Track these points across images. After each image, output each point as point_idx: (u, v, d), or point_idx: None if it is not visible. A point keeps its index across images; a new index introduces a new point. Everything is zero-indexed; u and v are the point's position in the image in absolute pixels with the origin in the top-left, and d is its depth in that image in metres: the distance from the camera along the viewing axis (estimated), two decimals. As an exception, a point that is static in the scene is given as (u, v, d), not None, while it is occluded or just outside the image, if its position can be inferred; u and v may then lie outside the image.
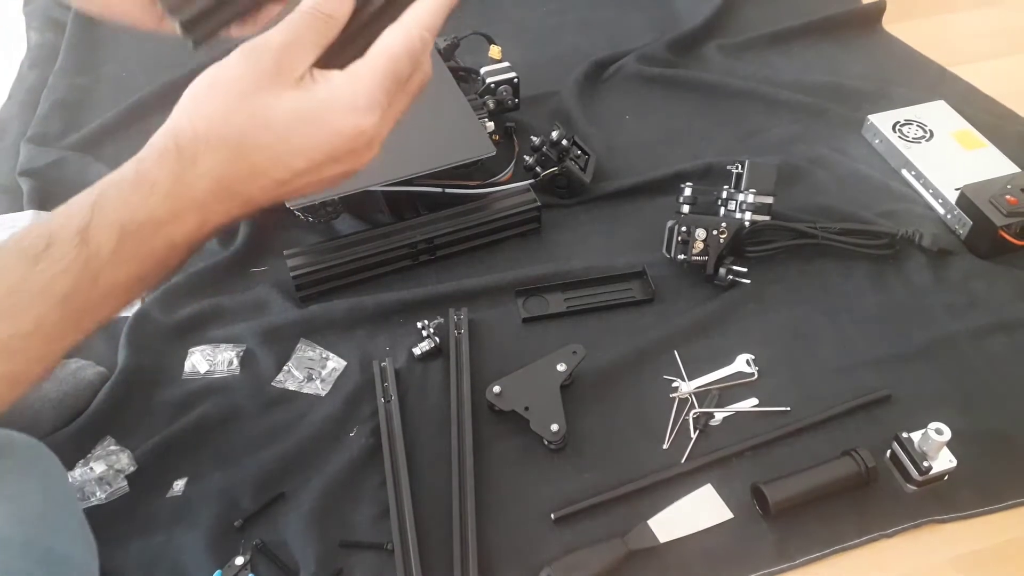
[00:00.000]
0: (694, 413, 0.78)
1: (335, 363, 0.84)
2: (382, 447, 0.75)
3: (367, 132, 0.42)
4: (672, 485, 0.73)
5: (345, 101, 0.41)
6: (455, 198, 0.96)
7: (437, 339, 0.84)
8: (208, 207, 0.41)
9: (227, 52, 0.42)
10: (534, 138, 0.98)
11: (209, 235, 0.43)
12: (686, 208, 0.92)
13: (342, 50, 0.43)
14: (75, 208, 0.40)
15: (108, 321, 0.43)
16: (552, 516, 0.71)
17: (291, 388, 0.82)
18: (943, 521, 0.71)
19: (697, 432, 0.77)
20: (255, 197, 0.42)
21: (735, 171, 0.94)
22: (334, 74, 0.42)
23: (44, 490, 0.46)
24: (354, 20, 0.43)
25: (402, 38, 0.43)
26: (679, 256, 0.89)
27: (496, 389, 0.77)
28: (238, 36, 0.48)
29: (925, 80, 1.21)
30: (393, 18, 0.43)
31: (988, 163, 1.02)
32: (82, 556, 0.47)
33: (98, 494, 0.72)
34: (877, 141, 1.09)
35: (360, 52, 0.43)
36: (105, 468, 0.73)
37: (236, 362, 0.84)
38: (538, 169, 0.98)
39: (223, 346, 0.85)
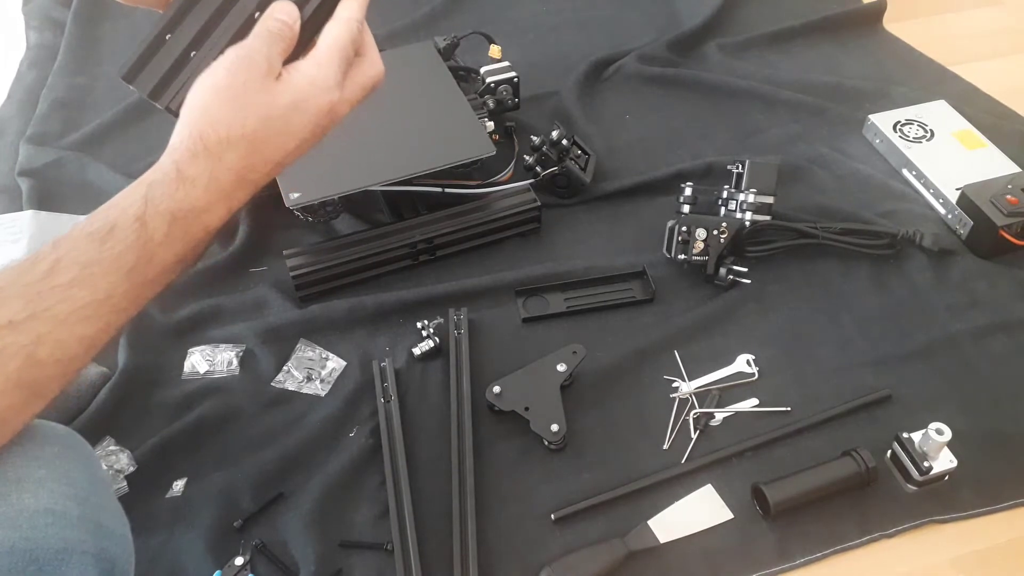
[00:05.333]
0: (694, 413, 0.78)
1: (335, 363, 0.84)
2: (382, 447, 0.75)
3: (336, 106, 0.51)
4: (672, 485, 0.73)
5: (319, 84, 0.50)
6: (455, 198, 0.96)
7: (437, 339, 0.84)
8: (233, 196, 0.50)
9: None
10: (534, 138, 0.98)
11: (227, 220, 0.51)
12: (686, 208, 0.92)
13: (297, 46, 0.53)
14: (128, 200, 0.47)
15: (156, 296, 0.50)
16: (552, 516, 0.71)
17: (291, 388, 0.82)
18: (943, 521, 0.71)
19: (697, 432, 0.77)
20: (261, 181, 0.51)
21: (735, 171, 0.94)
22: (301, 64, 0.51)
23: (88, 473, 0.50)
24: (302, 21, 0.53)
25: (344, 28, 0.52)
26: (679, 256, 0.89)
27: (496, 389, 0.77)
28: None
29: (926, 80, 1.20)
30: (329, 13, 0.53)
31: (989, 163, 1.02)
32: (123, 531, 0.51)
33: (98, 494, 0.72)
34: (878, 141, 1.09)
35: (307, 44, 0.52)
36: (105, 468, 0.73)
37: (236, 362, 0.83)
38: (538, 169, 0.98)
39: (223, 346, 0.85)
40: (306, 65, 0.51)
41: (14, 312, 0.43)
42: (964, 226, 0.93)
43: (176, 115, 0.51)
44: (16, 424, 0.45)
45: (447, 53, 1.07)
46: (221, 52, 0.51)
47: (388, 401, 0.79)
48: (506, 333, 0.87)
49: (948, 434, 0.70)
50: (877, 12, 1.33)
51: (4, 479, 0.44)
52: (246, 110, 0.48)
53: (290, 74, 0.50)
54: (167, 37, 0.52)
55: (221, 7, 0.52)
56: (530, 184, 0.98)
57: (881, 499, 0.72)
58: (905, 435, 0.72)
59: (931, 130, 1.07)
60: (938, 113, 1.10)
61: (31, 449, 0.46)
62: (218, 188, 0.48)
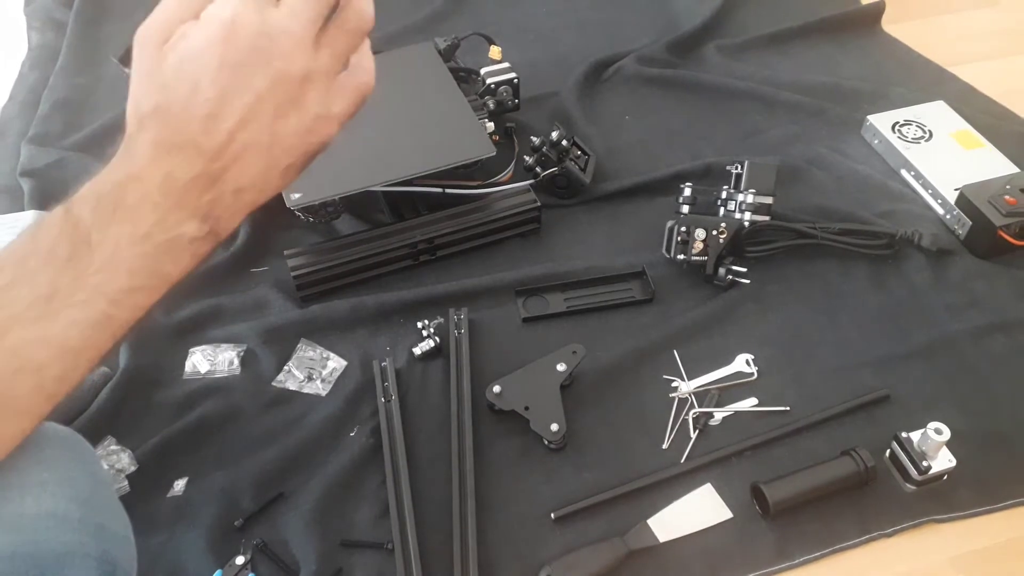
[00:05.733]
0: (694, 413, 0.78)
1: (335, 363, 0.84)
2: (382, 447, 0.75)
3: (310, 70, 0.42)
4: (672, 485, 0.73)
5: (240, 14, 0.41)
6: (455, 198, 0.96)
7: (437, 339, 0.84)
8: (161, 161, 0.42)
9: None
10: (534, 138, 0.98)
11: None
12: (686, 208, 0.92)
13: None
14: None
15: (158, 291, 0.45)
16: (552, 516, 0.71)
17: (292, 388, 0.82)
18: (942, 521, 0.71)
19: (697, 432, 0.77)
20: (202, 140, 0.43)
21: (735, 171, 0.95)
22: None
23: (90, 474, 0.49)
24: None
25: None
26: (679, 256, 0.89)
27: (496, 389, 0.77)
28: None
29: (924, 80, 1.21)
30: None
31: (987, 163, 1.02)
32: (125, 532, 0.51)
33: (99, 494, 0.72)
34: (876, 141, 1.09)
35: None
36: (106, 468, 0.73)
37: (237, 362, 0.84)
38: (538, 169, 0.98)
39: (224, 346, 0.85)
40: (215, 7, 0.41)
41: None
42: (963, 226, 0.94)
43: None
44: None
45: (447, 54, 1.08)
46: None
47: (388, 401, 0.79)
48: (506, 333, 0.87)
49: (947, 434, 0.70)
50: (875, 13, 1.33)
51: (5, 483, 0.44)
52: (141, 73, 0.42)
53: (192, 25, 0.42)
54: None
55: None
56: (530, 184, 0.98)
57: (880, 499, 0.72)
58: (904, 435, 0.73)
59: (929, 131, 1.07)
60: (936, 114, 1.10)
61: (32, 452, 0.46)
62: (138, 158, 0.41)
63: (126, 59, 0.50)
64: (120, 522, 0.51)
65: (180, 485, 0.74)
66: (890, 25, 1.33)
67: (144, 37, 0.43)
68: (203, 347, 0.85)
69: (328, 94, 0.43)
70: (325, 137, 0.44)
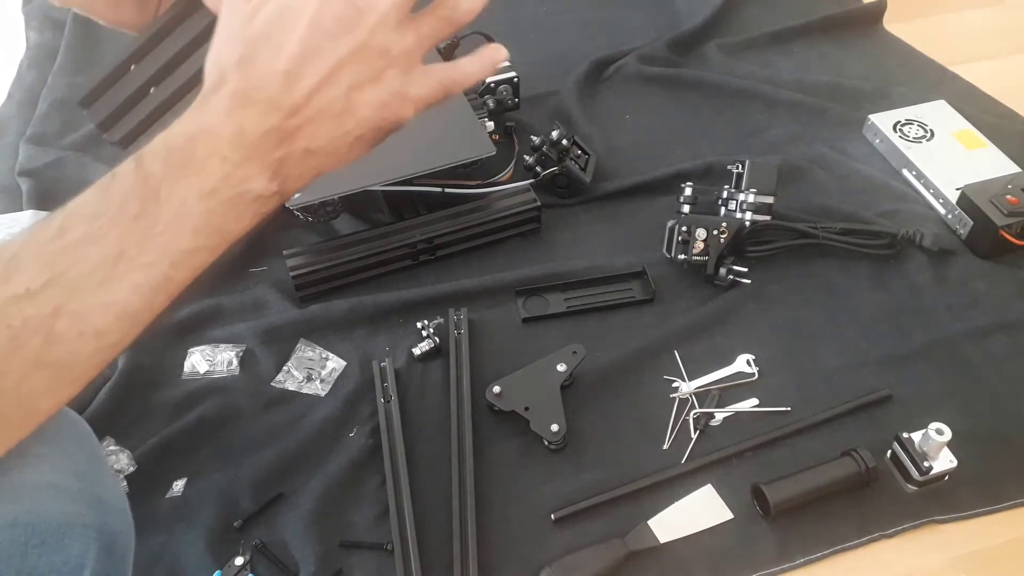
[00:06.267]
0: (694, 413, 0.78)
1: (335, 363, 0.84)
2: (382, 447, 0.75)
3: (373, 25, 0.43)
4: (672, 485, 0.73)
5: None
6: (455, 198, 0.96)
7: (437, 339, 0.84)
8: (234, 115, 0.43)
9: None
10: (534, 138, 0.98)
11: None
12: (686, 208, 0.92)
13: None
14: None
15: (212, 259, 0.44)
16: (552, 516, 0.71)
17: (291, 388, 0.82)
18: (943, 521, 0.71)
19: (697, 432, 0.77)
20: (278, 95, 0.43)
21: (735, 171, 0.94)
22: None
23: (88, 449, 0.50)
24: None
25: None
26: (679, 256, 0.89)
27: (496, 389, 0.77)
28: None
29: (926, 80, 1.20)
30: None
31: (989, 163, 1.02)
32: (123, 506, 0.51)
33: (98, 494, 0.72)
34: (878, 141, 1.09)
35: None
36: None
37: (236, 362, 0.83)
38: (538, 169, 0.98)
39: (223, 346, 0.85)
40: None
41: (30, 279, 0.39)
42: (964, 226, 0.93)
43: (125, 149, 0.48)
44: (43, 409, 0.42)
45: (447, 53, 1.07)
46: (174, 94, 0.48)
47: (388, 401, 0.79)
48: (506, 333, 0.87)
49: (948, 434, 0.70)
50: (877, 12, 1.33)
51: (5, 454, 0.43)
52: (229, 29, 0.43)
53: None
54: (132, 67, 0.50)
55: (186, 48, 0.50)
56: (530, 184, 0.98)
57: (881, 499, 0.72)
58: (905, 435, 0.72)
59: (931, 130, 1.07)
60: (938, 113, 1.10)
61: None
62: (212, 110, 0.42)
63: (88, 101, 0.50)
64: (117, 496, 0.51)
65: (179, 486, 0.74)
66: (892, 24, 1.33)
67: None
68: (202, 347, 0.85)
69: (409, 75, 0.44)
70: (399, 116, 0.44)
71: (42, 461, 0.45)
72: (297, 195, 0.85)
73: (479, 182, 0.99)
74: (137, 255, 0.41)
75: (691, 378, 0.81)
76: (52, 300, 0.39)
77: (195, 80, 0.48)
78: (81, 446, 0.49)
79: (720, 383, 0.81)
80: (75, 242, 0.40)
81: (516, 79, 1.06)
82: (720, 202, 0.93)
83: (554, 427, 0.74)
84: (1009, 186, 0.92)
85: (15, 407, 0.41)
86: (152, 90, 0.51)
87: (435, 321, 0.87)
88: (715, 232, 0.88)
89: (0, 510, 0.43)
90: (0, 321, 0.39)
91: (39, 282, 0.39)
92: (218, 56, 0.43)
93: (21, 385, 0.40)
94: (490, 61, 0.48)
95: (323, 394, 0.81)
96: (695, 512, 0.71)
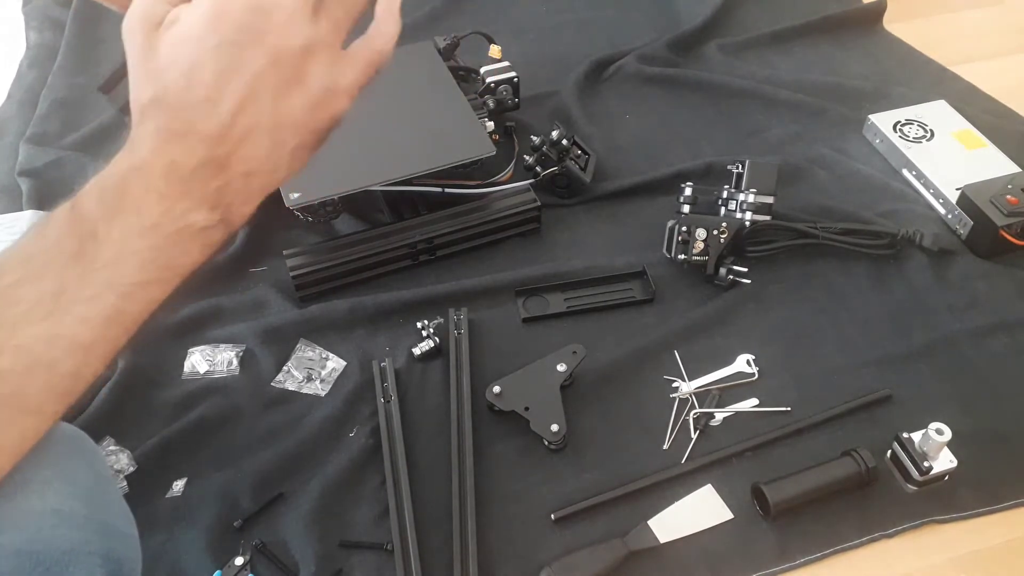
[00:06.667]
0: (694, 413, 0.78)
1: (335, 363, 0.84)
2: (382, 447, 0.75)
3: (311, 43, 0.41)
4: (672, 485, 0.73)
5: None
6: (455, 198, 0.96)
7: (437, 339, 0.84)
8: (164, 151, 0.42)
9: None
10: (534, 138, 0.98)
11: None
12: (686, 208, 0.92)
13: None
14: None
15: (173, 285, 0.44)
16: (552, 516, 0.71)
17: (291, 388, 0.82)
18: (943, 521, 0.71)
19: (697, 432, 0.77)
20: (205, 124, 0.42)
21: (735, 171, 0.94)
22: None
23: (94, 472, 0.49)
24: None
25: None
26: (679, 256, 0.89)
27: (496, 389, 0.77)
28: None
29: (926, 80, 1.20)
30: None
31: (989, 163, 1.02)
32: (130, 531, 0.50)
33: (97, 494, 0.72)
34: (878, 141, 1.09)
35: None
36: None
37: (236, 362, 0.83)
38: (538, 169, 0.98)
39: (223, 346, 0.85)
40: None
41: None
42: (964, 226, 0.93)
43: None
44: (7, 444, 0.42)
45: (447, 53, 1.07)
46: None
47: (388, 401, 0.79)
48: (506, 333, 0.87)
49: (948, 434, 0.70)
50: (877, 12, 1.33)
51: (9, 480, 0.43)
52: (134, 67, 0.41)
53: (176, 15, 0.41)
54: None
55: None
56: (530, 184, 0.98)
57: (881, 499, 0.72)
58: (905, 435, 0.72)
59: (931, 130, 1.07)
60: (938, 113, 1.10)
61: (36, 449, 0.45)
62: (140, 149, 0.41)
63: (107, 87, 0.49)
64: (125, 520, 0.50)
65: (179, 486, 0.74)
66: (892, 24, 1.33)
67: (131, 26, 0.41)
68: (202, 347, 0.85)
69: (334, 66, 0.41)
70: (334, 112, 0.42)
71: (46, 487, 0.44)
72: (297, 195, 0.85)
73: (479, 182, 0.99)
74: (78, 289, 0.40)
75: (691, 378, 0.81)
76: None
77: None
78: (88, 469, 0.48)
79: (720, 383, 0.81)
80: (8, 286, 0.40)
81: (516, 79, 1.06)
82: (720, 202, 0.93)
83: (554, 427, 0.74)
84: (1009, 186, 0.92)
85: None
86: None
87: (435, 321, 0.87)
88: (715, 232, 0.88)
89: (4, 539, 0.42)
90: None
91: None
92: (135, 95, 0.41)
93: None
94: (390, 7, 0.43)
95: (323, 394, 0.81)
96: (695, 512, 0.71)
